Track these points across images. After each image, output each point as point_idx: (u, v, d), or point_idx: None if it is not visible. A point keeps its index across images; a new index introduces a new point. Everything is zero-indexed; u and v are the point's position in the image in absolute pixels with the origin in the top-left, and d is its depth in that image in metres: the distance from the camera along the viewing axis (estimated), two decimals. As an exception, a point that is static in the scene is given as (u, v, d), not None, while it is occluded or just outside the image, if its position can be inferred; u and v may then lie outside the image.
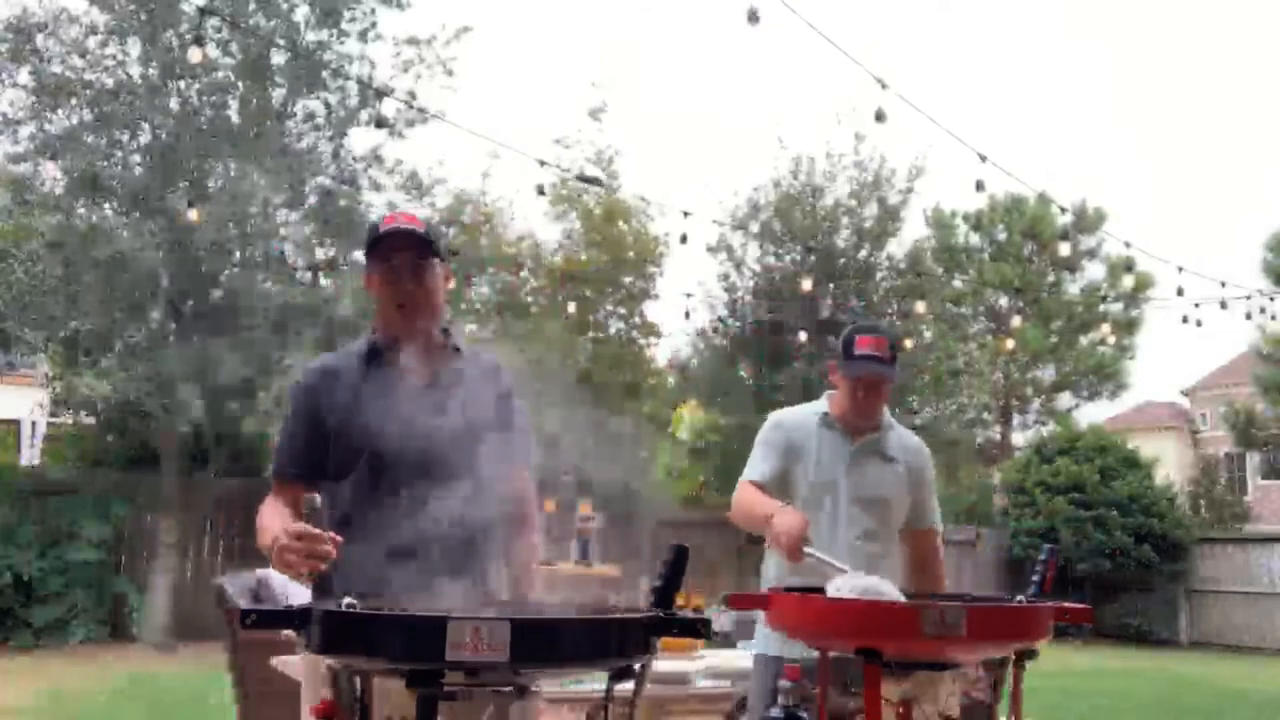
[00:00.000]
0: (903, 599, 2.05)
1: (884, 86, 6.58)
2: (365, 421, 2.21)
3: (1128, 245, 10.47)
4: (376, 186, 12.08)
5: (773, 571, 2.90)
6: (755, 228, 15.12)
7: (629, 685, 1.57)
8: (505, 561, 2.47)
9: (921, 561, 2.98)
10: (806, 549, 2.51)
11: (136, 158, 11.03)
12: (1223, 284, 11.17)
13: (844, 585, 2.08)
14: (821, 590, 2.10)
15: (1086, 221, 21.28)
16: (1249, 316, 12.02)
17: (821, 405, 2.98)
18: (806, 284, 12.53)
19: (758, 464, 2.94)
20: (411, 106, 11.38)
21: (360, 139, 15.65)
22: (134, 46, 11.00)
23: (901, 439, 2.99)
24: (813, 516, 2.79)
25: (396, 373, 2.27)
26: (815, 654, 2.04)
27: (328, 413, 2.25)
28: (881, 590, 2.06)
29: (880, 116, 6.75)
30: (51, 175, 10.81)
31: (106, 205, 11.04)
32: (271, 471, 2.37)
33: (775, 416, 3.03)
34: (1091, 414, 23.17)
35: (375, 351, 2.31)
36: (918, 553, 2.98)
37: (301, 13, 11.28)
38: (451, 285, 2.42)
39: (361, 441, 2.21)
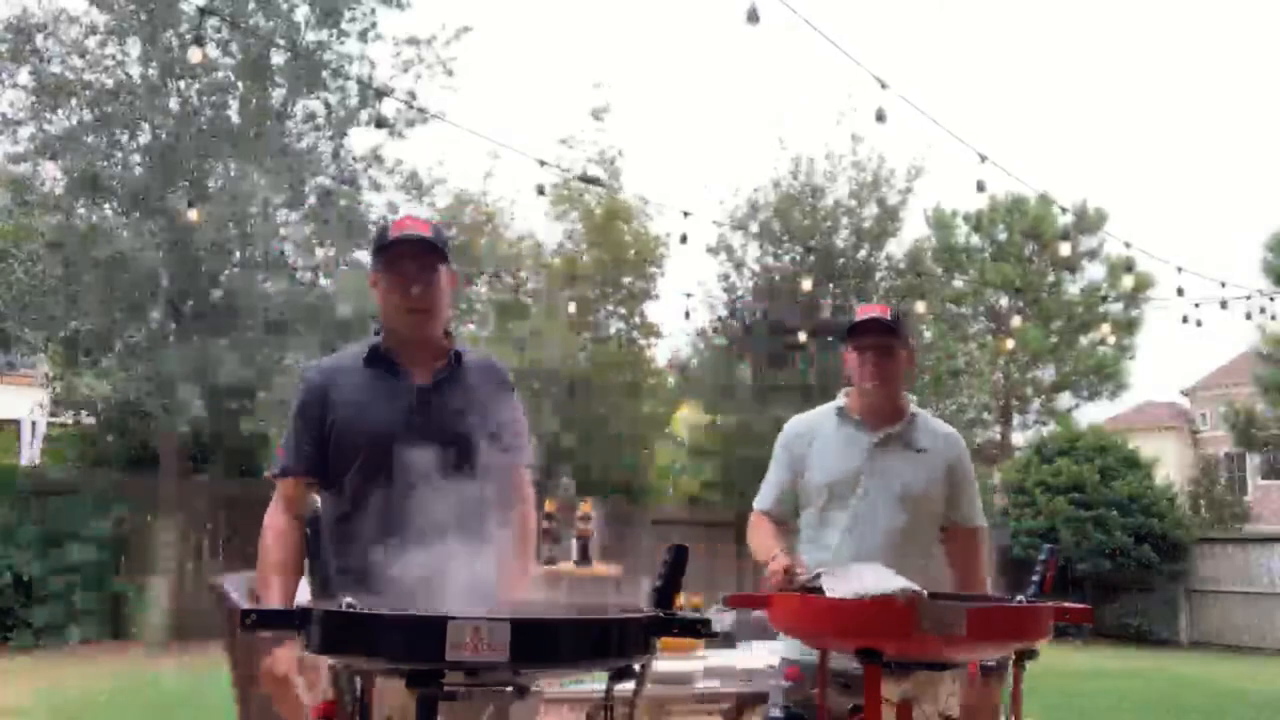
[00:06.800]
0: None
1: (884, 86, 6.57)
2: (366, 422, 2.23)
3: (1128, 245, 10.46)
4: (376, 186, 12.08)
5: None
6: (755, 228, 15.12)
7: (629, 685, 1.57)
8: (501, 564, 2.47)
9: (957, 562, 2.76)
10: (805, 581, 2.27)
11: (136, 158, 11.02)
12: (1223, 284, 11.15)
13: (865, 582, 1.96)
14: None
15: (1086, 221, 21.25)
16: (1249, 316, 11.99)
17: (838, 401, 2.82)
18: (806, 284, 12.53)
19: (765, 489, 2.81)
20: (411, 106, 11.38)
21: (360, 139, 15.63)
22: (134, 46, 10.99)
23: (931, 427, 2.77)
24: (839, 517, 2.67)
25: (398, 374, 2.29)
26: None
27: (330, 412, 2.27)
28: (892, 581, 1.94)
29: (880, 116, 6.73)
30: (51, 175, 10.81)
31: (106, 205, 11.04)
32: (276, 470, 2.37)
33: (787, 427, 2.85)
34: (1091, 414, 23.14)
35: (377, 353, 2.32)
36: (955, 553, 2.76)
37: (301, 13, 11.27)
38: (455, 288, 2.45)
39: (362, 442, 2.22)
